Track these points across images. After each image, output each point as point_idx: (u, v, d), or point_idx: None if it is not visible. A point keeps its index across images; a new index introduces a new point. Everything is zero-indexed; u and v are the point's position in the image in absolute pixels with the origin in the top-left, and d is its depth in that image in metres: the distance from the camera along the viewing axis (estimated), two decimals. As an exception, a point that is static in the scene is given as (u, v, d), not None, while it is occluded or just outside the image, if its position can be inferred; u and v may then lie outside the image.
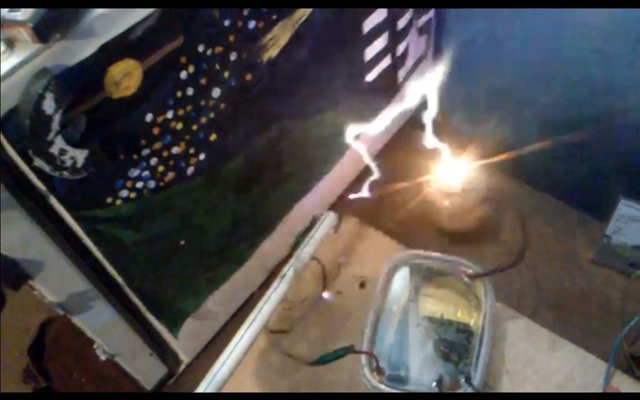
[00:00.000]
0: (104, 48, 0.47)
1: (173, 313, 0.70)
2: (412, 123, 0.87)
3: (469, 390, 0.72)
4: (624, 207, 0.83)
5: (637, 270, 0.82)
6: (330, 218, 0.76)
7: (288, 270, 0.69)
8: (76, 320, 0.64)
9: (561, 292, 0.87)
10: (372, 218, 0.93)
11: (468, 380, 0.73)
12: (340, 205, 0.94)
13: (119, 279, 0.63)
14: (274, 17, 0.60)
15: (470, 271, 0.80)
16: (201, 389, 0.61)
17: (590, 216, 0.91)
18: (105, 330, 0.67)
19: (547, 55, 0.86)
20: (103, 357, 0.69)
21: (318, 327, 0.84)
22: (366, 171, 0.90)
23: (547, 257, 0.90)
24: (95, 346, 0.69)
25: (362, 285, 0.88)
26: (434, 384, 0.74)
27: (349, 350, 0.72)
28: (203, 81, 0.57)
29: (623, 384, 0.77)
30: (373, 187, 0.88)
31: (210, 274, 0.73)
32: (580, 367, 0.79)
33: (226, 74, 0.59)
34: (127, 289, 0.64)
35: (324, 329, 0.84)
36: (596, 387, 0.72)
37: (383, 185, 0.90)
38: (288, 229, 0.82)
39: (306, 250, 0.72)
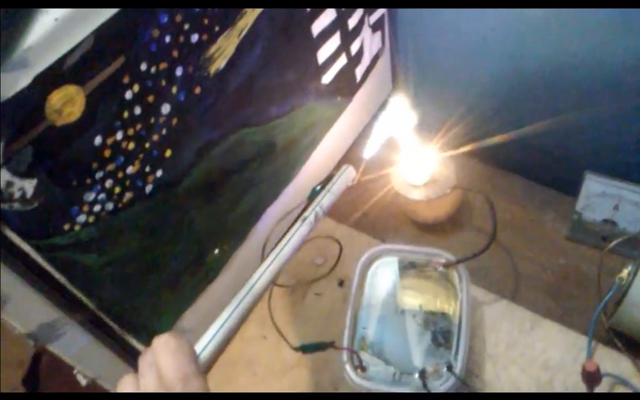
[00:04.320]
0: (38, 78, 0.45)
1: (150, 332, 0.69)
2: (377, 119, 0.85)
3: (452, 379, 0.71)
4: (591, 183, 0.81)
5: (609, 244, 0.80)
6: (349, 172, 0.73)
7: (310, 214, 0.65)
8: (52, 348, 0.63)
9: (538, 271, 0.86)
10: (345, 216, 0.92)
11: (450, 368, 0.72)
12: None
13: (90, 304, 0.62)
14: (217, 28, 0.59)
15: (443, 260, 0.79)
16: (212, 330, 0.55)
17: (562, 193, 0.90)
18: (82, 355, 0.65)
19: (504, 35, 0.85)
20: (84, 382, 0.68)
21: (299, 328, 0.83)
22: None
23: (521, 238, 0.89)
24: (75, 372, 0.68)
25: (340, 284, 0.86)
26: (417, 375, 0.73)
27: (330, 345, 0.71)
28: (150, 99, 0.55)
29: (605, 356, 0.76)
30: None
31: (183, 290, 0.71)
32: (563, 344, 0.78)
33: (174, 90, 0.57)
34: (99, 313, 0.63)
35: (304, 330, 0.83)
36: (579, 363, 0.71)
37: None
38: (259, 239, 0.81)
39: (326, 198, 0.68)
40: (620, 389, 0.74)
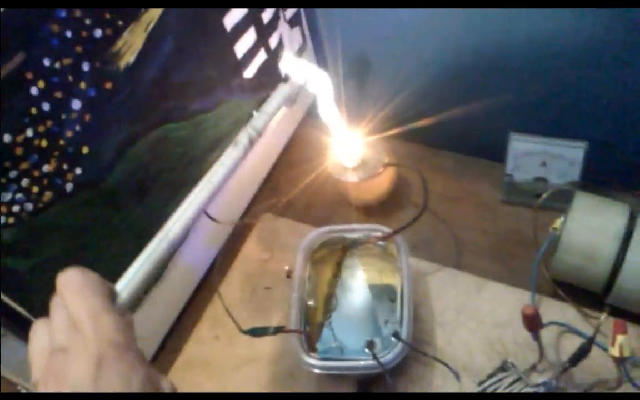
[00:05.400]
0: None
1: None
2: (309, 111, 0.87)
3: (399, 345, 0.71)
4: (516, 142, 0.83)
5: (540, 199, 0.82)
6: (285, 90, 0.69)
7: (242, 137, 0.61)
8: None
9: (479, 237, 0.87)
10: (286, 210, 0.93)
11: (397, 336, 0.72)
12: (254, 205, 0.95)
13: (23, 312, 0.61)
14: (120, 23, 0.60)
15: (380, 234, 0.80)
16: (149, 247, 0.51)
17: (493, 160, 0.92)
18: (22, 368, 0.64)
19: (427, 22, 0.88)
20: (29, 398, 0.67)
21: (251, 323, 0.82)
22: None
23: (459, 208, 0.90)
24: (18, 387, 0.66)
25: (288, 275, 0.86)
26: (365, 348, 0.73)
27: (280, 329, 0.72)
28: (58, 94, 0.56)
29: (551, 307, 0.77)
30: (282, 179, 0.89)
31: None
32: (509, 302, 0.79)
33: (83, 85, 0.58)
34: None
35: (256, 322, 0.82)
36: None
37: (289, 176, 0.91)
38: (205, 234, 0.81)
39: (260, 119, 0.65)
40: (566, 336, 0.74)
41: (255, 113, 0.66)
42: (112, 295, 0.46)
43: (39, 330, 0.43)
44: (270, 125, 0.89)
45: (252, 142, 0.63)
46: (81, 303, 0.42)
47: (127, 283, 0.49)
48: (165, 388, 0.44)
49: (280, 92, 0.69)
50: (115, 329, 0.41)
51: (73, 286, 0.43)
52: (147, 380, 0.41)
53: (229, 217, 0.89)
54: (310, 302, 0.78)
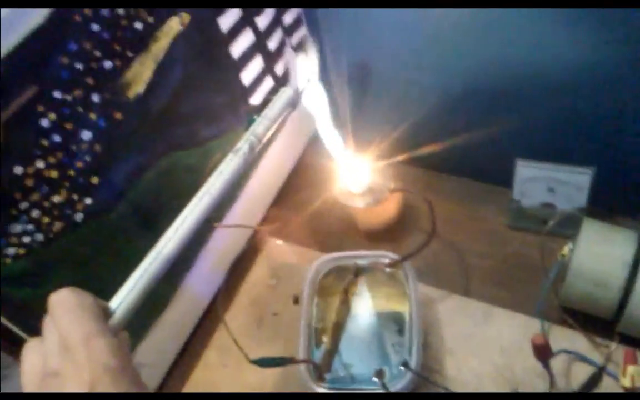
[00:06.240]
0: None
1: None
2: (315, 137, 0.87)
3: (409, 375, 0.70)
4: (522, 169, 0.83)
5: (548, 225, 0.82)
6: (286, 94, 0.66)
7: (243, 144, 0.58)
8: (-2, 392, 0.61)
9: (486, 263, 0.86)
10: (292, 235, 0.93)
11: (406, 365, 0.72)
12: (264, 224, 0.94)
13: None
14: (130, 54, 0.60)
15: (388, 261, 0.79)
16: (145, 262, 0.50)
17: (499, 185, 0.91)
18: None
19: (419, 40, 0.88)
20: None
21: (259, 350, 0.82)
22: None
23: (465, 233, 0.90)
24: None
25: (295, 301, 0.86)
26: (374, 377, 0.73)
27: (289, 360, 0.71)
28: (69, 126, 0.56)
29: (560, 335, 0.76)
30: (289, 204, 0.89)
31: (134, 323, 0.70)
32: (517, 329, 0.78)
33: (93, 116, 0.58)
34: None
35: (265, 351, 0.82)
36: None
37: (296, 201, 0.91)
38: (211, 260, 0.81)
39: (261, 125, 0.62)
40: (576, 364, 0.74)
41: (256, 118, 0.63)
42: (107, 315, 0.45)
43: (31, 352, 0.42)
44: (276, 147, 0.90)
45: (252, 149, 0.60)
46: (74, 325, 0.41)
47: (122, 299, 0.47)
48: None
49: (282, 96, 0.66)
50: (109, 353, 0.40)
51: (66, 307, 0.42)
52: None
53: (236, 242, 0.88)
54: (318, 330, 0.78)
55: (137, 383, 0.41)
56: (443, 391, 0.74)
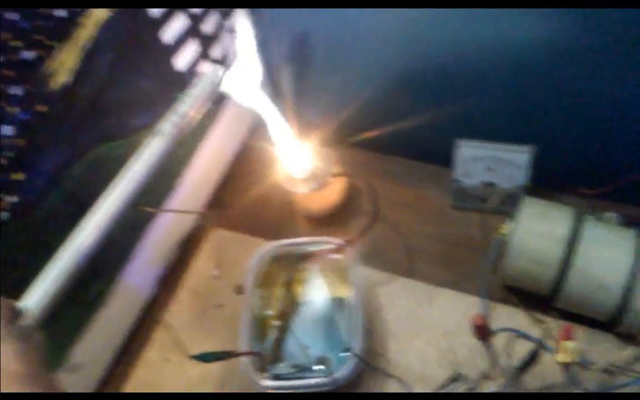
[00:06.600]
0: None
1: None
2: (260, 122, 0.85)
3: (352, 361, 0.70)
4: (463, 149, 0.83)
5: (488, 204, 0.83)
6: (212, 72, 0.65)
7: (164, 125, 0.57)
8: None
9: (430, 244, 0.87)
10: (235, 224, 0.91)
11: (348, 349, 0.71)
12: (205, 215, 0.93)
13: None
14: (51, 43, 0.57)
15: (331, 246, 0.79)
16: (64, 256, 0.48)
17: (443, 166, 0.92)
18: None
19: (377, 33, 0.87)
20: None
21: (203, 343, 0.81)
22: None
23: (410, 215, 0.90)
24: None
25: (238, 291, 0.84)
26: (318, 365, 0.72)
27: (231, 354, 0.69)
28: (-13, 122, 0.53)
29: (502, 313, 0.78)
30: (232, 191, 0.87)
31: (67, 323, 0.68)
32: (461, 309, 0.79)
33: (15, 110, 0.55)
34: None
35: (209, 344, 0.81)
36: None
37: (239, 188, 0.89)
38: (151, 251, 0.78)
39: (185, 103, 0.60)
40: (517, 341, 0.75)
41: (179, 96, 0.61)
42: (14, 316, 0.42)
43: None
44: (217, 133, 0.88)
45: (176, 128, 0.58)
46: None
47: (38, 297, 0.44)
48: None
49: (207, 75, 0.66)
50: (14, 359, 0.38)
51: None
52: None
53: (176, 232, 0.86)
54: (262, 319, 0.77)
55: (50, 389, 0.39)
56: (385, 376, 0.74)
